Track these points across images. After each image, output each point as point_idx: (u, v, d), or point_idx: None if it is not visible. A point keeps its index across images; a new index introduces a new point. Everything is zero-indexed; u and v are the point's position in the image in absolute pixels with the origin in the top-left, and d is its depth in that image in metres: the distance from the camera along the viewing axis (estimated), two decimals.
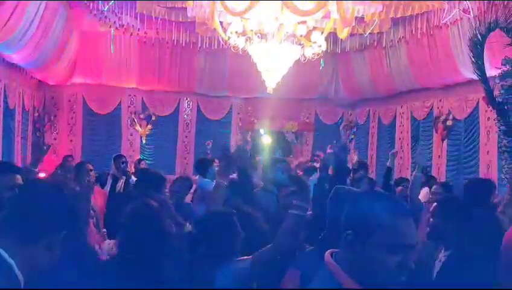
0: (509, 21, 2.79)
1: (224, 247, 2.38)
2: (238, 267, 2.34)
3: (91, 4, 7.68)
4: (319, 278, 1.47)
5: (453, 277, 2.48)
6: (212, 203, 3.12)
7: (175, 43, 9.08)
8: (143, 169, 6.87)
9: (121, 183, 5.56)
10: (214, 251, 2.37)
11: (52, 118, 11.12)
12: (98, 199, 5.01)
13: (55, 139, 11.22)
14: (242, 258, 2.42)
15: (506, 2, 2.84)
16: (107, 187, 5.54)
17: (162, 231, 2.28)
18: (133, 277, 2.07)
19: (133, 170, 7.72)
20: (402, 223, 1.38)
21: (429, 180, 6.26)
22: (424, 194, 5.24)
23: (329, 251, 1.50)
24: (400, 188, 5.72)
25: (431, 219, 2.77)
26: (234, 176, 5.10)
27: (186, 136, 11.96)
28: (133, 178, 6.13)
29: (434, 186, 4.82)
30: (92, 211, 4.48)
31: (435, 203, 2.86)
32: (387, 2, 6.49)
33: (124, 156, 6.09)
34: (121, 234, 2.37)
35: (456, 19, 7.20)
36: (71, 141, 11.37)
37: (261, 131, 12.07)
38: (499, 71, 4.68)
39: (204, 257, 2.36)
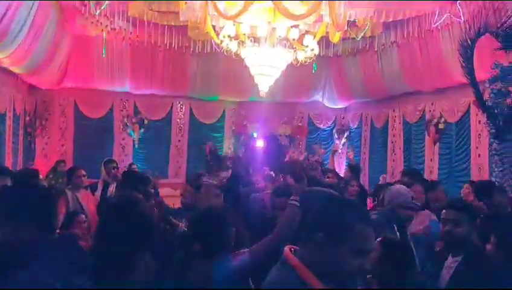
0: (498, 26, 2.82)
1: (219, 243, 2.37)
2: (237, 260, 2.33)
3: (83, 8, 7.64)
4: (280, 274, 1.53)
5: (469, 282, 2.43)
6: None
7: (167, 46, 9.06)
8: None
9: (112, 188, 5.50)
10: (209, 247, 2.35)
11: (43, 122, 11.04)
12: (90, 205, 4.97)
13: (46, 143, 11.15)
14: (238, 251, 2.41)
15: (495, 7, 2.87)
16: (98, 193, 5.47)
17: (143, 224, 2.24)
18: (107, 269, 2.02)
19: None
20: (368, 230, 1.51)
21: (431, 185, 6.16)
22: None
23: (288, 246, 1.58)
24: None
25: (445, 227, 2.64)
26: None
27: (179, 140, 11.93)
28: None
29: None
30: (83, 216, 4.45)
31: (445, 211, 2.68)
32: (381, 2, 6.51)
33: (115, 161, 6.02)
34: (100, 225, 2.29)
35: (447, 23, 7.25)
36: (62, 145, 11.30)
37: (254, 135, 12.09)
38: (489, 75, 4.71)
39: (199, 254, 2.34)
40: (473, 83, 3.21)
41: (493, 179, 6.45)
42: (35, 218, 1.82)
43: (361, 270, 1.49)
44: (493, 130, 3.32)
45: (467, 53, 3.23)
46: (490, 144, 6.86)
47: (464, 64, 3.35)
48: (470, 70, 3.24)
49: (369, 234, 1.51)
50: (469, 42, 3.27)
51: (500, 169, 5.30)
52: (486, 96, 3.40)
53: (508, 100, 3.04)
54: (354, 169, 6.47)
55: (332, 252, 1.46)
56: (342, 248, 1.46)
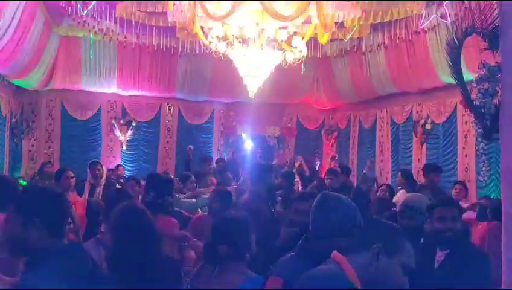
0: (485, 26, 2.84)
1: (242, 248, 2.37)
2: None
3: (70, 8, 7.56)
4: (326, 268, 1.64)
5: (456, 275, 2.50)
6: None
7: (155, 47, 9.01)
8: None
9: (99, 191, 5.44)
10: (234, 251, 2.34)
11: (30, 123, 10.91)
12: (78, 207, 4.89)
13: (33, 145, 11.01)
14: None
15: (482, 7, 2.89)
16: (85, 195, 5.41)
17: (148, 233, 2.30)
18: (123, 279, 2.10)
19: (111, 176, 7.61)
20: (412, 250, 1.67)
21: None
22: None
23: (335, 251, 1.70)
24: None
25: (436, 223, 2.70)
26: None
27: (168, 142, 11.87)
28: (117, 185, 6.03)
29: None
30: (69, 218, 4.39)
31: (444, 208, 2.72)
32: (367, 3, 6.54)
33: (99, 163, 5.95)
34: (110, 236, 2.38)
35: (434, 25, 7.33)
36: (49, 147, 11.17)
37: (243, 136, 12.08)
38: (476, 75, 4.76)
39: (224, 258, 2.34)
40: (461, 83, 3.23)
41: (480, 179, 6.53)
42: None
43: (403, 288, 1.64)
44: (480, 130, 3.35)
45: (454, 53, 3.25)
46: (477, 144, 6.94)
47: (451, 65, 3.38)
48: (457, 70, 3.26)
49: (413, 254, 1.67)
50: (456, 42, 3.31)
51: (487, 168, 5.37)
52: (473, 96, 3.43)
53: (495, 100, 3.07)
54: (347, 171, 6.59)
55: (386, 262, 1.62)
56: (394, 261, 1.62)
